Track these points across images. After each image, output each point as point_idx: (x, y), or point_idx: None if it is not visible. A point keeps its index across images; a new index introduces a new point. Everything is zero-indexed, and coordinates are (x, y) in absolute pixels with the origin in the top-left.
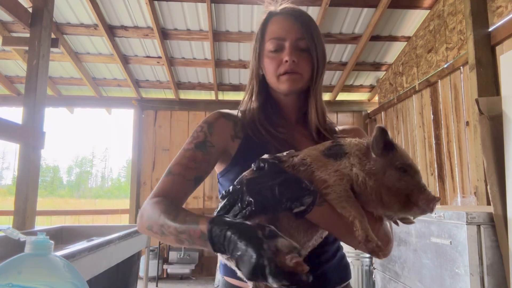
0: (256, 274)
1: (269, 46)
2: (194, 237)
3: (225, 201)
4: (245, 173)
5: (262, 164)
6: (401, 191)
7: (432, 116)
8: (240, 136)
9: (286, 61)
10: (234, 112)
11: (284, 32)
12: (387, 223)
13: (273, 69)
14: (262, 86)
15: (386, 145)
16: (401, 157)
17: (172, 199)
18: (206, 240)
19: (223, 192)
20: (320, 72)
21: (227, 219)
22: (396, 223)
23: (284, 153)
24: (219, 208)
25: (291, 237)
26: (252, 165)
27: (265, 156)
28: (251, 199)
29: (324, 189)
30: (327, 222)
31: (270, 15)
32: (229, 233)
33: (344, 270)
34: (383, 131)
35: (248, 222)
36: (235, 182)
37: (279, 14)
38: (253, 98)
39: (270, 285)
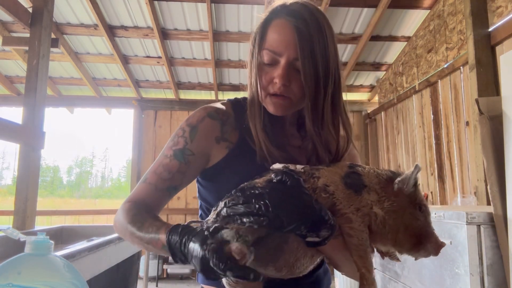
0: (205, 269)
1: (264, 56)
2: (158, 248)
3: (239, 205)
4: (258, 181)
5: (285, 179)
6: (415, 231)
7: (432, 116)
8: (227, 138)
9: (276, 82)
10: (223, 107)
11: (282, 46)
12: None
13: (263, 85)
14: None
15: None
16: (420, 195)
17: (145, 207)
18: (168, 251)
19: (235, 194)
20: (318, 92)
21: (184, 226)
22: (398, 260)
23: (300, 167)
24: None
25: (296, 261)
26: (273, 175)
27: (282, 167)
28: (273, 213)
29: (347, 228)
30: (335, 256)
31: (273, 15)
32: (184, 239)
33: (330, 271)
34: (420, 170)
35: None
36: (245, 186)
37: (282, 17)
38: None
39: (230, 282)
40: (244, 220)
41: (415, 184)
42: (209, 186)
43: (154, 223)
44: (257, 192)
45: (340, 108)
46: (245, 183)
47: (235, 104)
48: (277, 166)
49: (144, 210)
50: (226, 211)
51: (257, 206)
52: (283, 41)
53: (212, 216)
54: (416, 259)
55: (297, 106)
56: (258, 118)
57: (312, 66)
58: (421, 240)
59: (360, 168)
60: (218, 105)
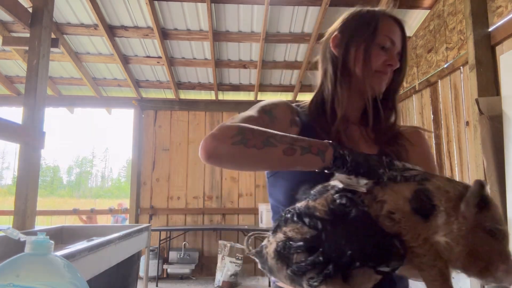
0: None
1: (382, 40)
2: (316, 147)
3: (299, 224)
4: (318, 203)
5: (348, 206)
6: (482, 256)
7: (432, 116)
8: (298, 124)
9: (390, 65)
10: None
11: (396, 38)
12: None
13: (375, 63)
14: (343, 75)
15: (481, 201)
16: (492, 217)
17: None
18: (324, 156)
19: (292, 212)
20: (397, 90)
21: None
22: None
23: (363, 184)
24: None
25: (360, 285)
26: (336, 195)
27: (343, 187)
28: (336, 253)
29: (417, 262)
30: (407, 274)
31: (382, 13)
32: (351, 156)
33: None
34: (482, 187)
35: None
36: (303, 211)
37: (390, 18)
38: (328, 86)
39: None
40: (309, 267)
41: (480, 205)
42: (274, 182)
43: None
44: (317, 224)
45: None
46: (303, 205)
47: (296, 106)
48: (337, 182)
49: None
50: (284, 248)
51: (320, 250)
52: (396, 33)
53: (272, 246)
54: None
55: (384, 87)
56: (323, 118)
57: (405, 62)
58: (489, 267)
59: (431, 182)
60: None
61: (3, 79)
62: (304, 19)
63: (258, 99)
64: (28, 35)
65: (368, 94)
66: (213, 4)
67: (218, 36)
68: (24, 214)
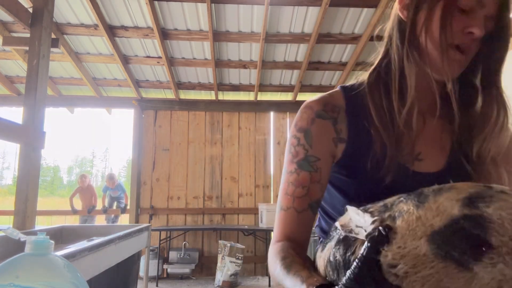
0: None
1: (463, 0)
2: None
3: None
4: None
5: (371, 261)
6: None
7: None
8: (343, 137)
9: (471, 33)
10: (331, 99)
11: None
12: None
13: (450, 32)
14: (410, 46)
15: None
16: None
17: (293, 240)
18: None
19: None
20: (497, 71)
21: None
22: None
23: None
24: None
25: None
26: (362, 249)
27: (371, 232)
28: None
29: None
30: None
31: None
32: None
33: None
34: None
35: None
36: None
37: None
38: (395, 58)
39: None
40: None
41: None
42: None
43: (300, 272)
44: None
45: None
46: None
47: (348, 90)
48: (367, 225)
49: (291, 251)
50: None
51: None
52: None
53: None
54: None
55: (461, 70)
56: (379, 89)
57: (509, 28)
58: None
59: (494, 206)
60: (325, 97)
61: (3, 79)
62: (304, 19)
63: (258, 99)
64: (28, 35)
65: (436, 77)
66: (213, 4)
67: (218, 36)
68: (24, 214)
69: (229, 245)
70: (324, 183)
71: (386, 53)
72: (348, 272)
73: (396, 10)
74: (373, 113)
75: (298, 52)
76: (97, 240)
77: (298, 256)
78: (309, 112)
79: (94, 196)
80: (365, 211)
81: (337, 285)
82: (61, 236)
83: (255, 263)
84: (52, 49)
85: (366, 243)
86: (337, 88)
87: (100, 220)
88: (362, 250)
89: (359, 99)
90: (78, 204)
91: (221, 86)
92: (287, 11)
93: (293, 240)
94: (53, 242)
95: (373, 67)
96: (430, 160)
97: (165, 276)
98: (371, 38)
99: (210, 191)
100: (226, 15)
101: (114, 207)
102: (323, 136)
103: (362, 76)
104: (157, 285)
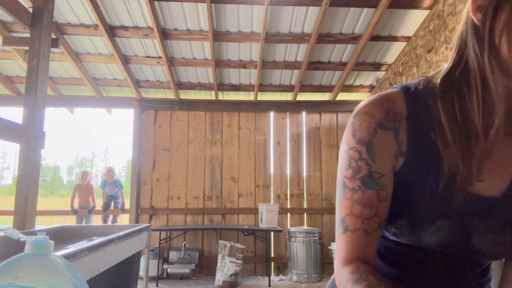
0: None
1: None
2: None
3: None
4: None
5: None
6: None
7: None
8: (403, 150)
9: None
10: (392, 103)
11: None
12: None
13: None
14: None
15: None
16: None
17: (364, 261)
18: None
19: None
20: None
21: None
22: None
23: None
24: None
25: None
26: None
27: None
28: None
29: None
30: None
31: None
32: None
33: None
34: None
35: None
36: None
37: None
38: (473, 57)
39: None
40: None
41: None
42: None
43: None
44: None
45: None
46: None
47: (410, 94)
48: None
49: (372, 278)
50: None
51: None
52: None
53: None
54: None
55: None
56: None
57: None
58: None
59: None
60: (385, 101)
61: (3, 79)
62: (304, 19)
63: (258, 99)
64: (28, 35)
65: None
66: (213, 4)
67: (218, 36)
68: (24, 214)
69: (229, 245)
70: (389, 199)
71: (460, 59)
72: None
73: (467, 11)
74: (446, 127)
75: (298, 52)
76: (97, 240)
77: (376, 277)
78: (370, 121)
79: (92, 195)
80: None
81: None
82: (61, 236)
83: (255, 263)
84: (52, 49)
85: None
86: (396, 88)
87: (97, 221)
88: None
89: (422, 104)
90: (76, 202)
91: (221, 86)
92: (287, 11)
93: (363, 260)
94: (53, 242)
95: (444, 72)
96: (491, 182)
97: (165, 276)
98: (371, 38)
99: (210, 191)
100: (226, 15)
101: (112, 207)
102: (386, 149)
103: (424, 79)
104: (157, 285)
